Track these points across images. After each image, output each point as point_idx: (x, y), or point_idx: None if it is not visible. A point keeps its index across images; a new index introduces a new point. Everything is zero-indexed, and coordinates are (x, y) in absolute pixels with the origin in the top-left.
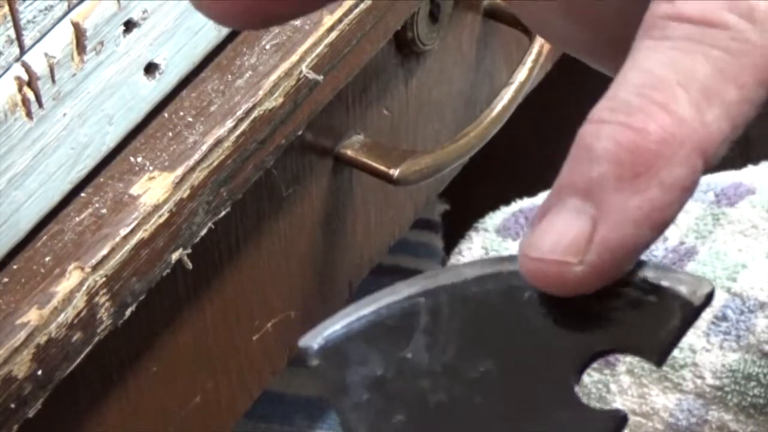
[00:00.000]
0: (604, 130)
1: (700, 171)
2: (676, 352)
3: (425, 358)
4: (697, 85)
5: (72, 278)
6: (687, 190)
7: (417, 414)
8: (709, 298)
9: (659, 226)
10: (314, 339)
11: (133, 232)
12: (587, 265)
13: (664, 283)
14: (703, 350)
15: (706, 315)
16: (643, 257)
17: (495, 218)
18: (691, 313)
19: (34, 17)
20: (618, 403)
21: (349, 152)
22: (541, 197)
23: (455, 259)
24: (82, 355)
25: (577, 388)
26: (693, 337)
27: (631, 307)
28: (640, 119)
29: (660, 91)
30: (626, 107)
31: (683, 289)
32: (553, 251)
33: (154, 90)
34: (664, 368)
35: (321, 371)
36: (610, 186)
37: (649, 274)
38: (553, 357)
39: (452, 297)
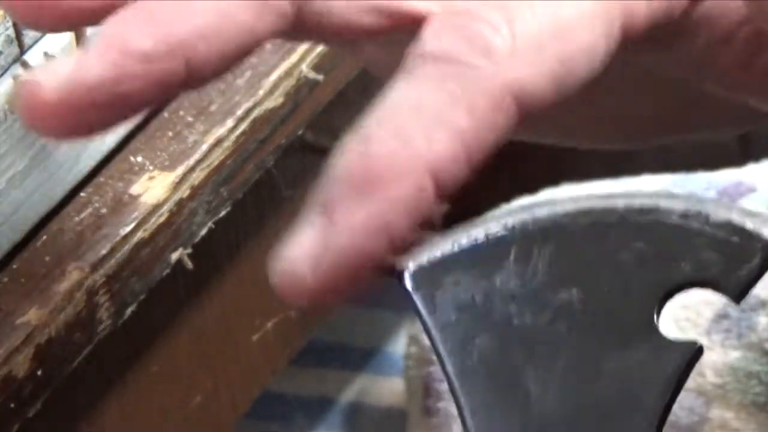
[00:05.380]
0: (342, 155)
1: (429, 190)
2: None
3: (514, 284)
4: (429, 112)
5: (72, 278)
6: (415, 208)
7: (501, 337)
8: None
9: (389, 238)
10: (409, 261)
11: (133, 231)
12: (319, 274)
13: (748, 225)
14: (704, 348)
15: (707, 313)
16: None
17: None
18: None
19: None
20: None
21: None
22: (543, 195)
23: None
24: (82, 355)
25: (657, 320)
26: (694, 335)
27: (714, 246)
28: (371, 144)
29: (394, 118)
30: (364, 135)
31: (766, 232)
32: (291, 263)
33: None
34: None
35: (413, 292)
36: (341, 201)
37: (734, 216)
38: (636, 290)
39: (544, 229)
